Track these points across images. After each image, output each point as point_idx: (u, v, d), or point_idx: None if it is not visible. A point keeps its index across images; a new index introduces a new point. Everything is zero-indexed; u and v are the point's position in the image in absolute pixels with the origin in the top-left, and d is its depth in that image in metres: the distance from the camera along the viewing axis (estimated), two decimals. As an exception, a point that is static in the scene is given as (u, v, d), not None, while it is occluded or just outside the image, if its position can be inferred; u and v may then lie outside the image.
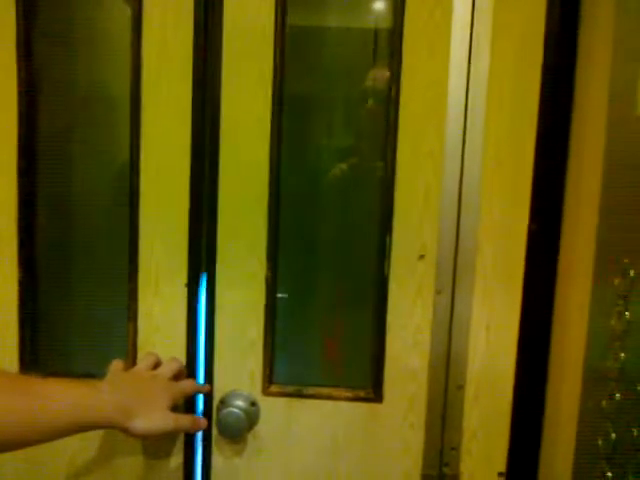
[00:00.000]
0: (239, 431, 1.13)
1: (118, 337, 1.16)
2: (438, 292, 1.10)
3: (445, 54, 1.06)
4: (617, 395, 0.88)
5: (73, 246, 1.19)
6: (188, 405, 1.14)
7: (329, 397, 1.14)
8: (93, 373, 1.14)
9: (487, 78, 1.05)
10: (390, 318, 1.12)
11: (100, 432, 1.16)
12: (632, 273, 0.83)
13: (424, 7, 1.06)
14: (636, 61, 0.86)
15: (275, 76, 1.09)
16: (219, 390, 1.15)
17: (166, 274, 1.13)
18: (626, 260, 0.84)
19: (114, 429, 0.96)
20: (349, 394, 1.14)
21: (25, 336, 1.16)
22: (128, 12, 1.09)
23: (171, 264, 1.13)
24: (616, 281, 0.85)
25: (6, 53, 1.10)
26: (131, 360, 1.15)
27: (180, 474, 1.16)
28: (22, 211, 1.14)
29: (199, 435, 1.16)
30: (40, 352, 1.18)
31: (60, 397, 0.87)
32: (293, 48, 1.10)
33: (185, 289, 1.13)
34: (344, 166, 1.15)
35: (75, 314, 1.20)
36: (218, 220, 1.12)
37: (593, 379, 0.91)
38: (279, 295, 1.15)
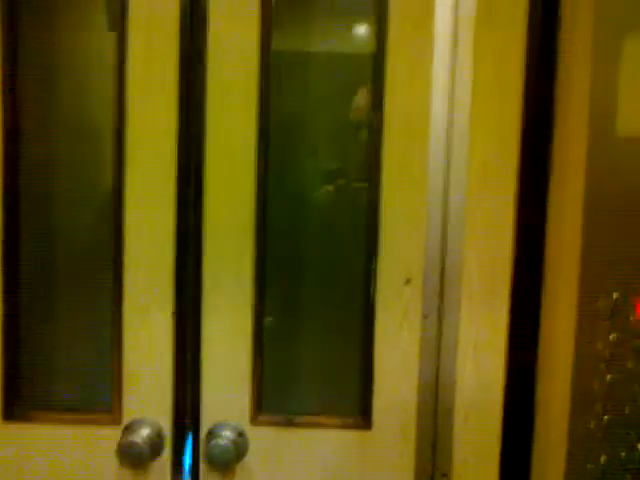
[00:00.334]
0: (228, 463, 1.11)
1: (103, 367, 1.15)
2: (425, 316, 1.10)
3: (427, 78, 1.07)
4: (605, 417, 0.88)
5: (57, 274, 1.18)
6: (176, 436, 1.13)
7: (318, 425, 1.13)
8: (77, 406, 1.13)
9: (470, 101, 1.06)
10: (378, 343, 1.11)
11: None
12: (615, 295, 0.83)
13: (406, 32, 1.07)
14: (615, 82, 0.88)
15: (260, 101, 1.10)
16: (207, 421, 1.13)
17: (152, 303, 1.12)
18: (610, 284, 0.84)
19: None
20: (338, 421, 1.13)
21: (8, 367, 1.14)
22: (113, 40, 1.10)
23: (157, 292, 1.12)
24: (600, 303, 0.85)
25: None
26: (117, 391, 1.13)
27: (168, 508, 1.14)
28: (5, 241, 1.13)
29: (187, 467, 1.14)
30: (23, 383, 1.16)
31: None
32: (277, 73, 1.11)
33: (172, 318, 1.12)
34: (330, 189, 1.16)
35: (59, 344, 1.18)
36: (204, 246, 1.11)
37: (581, 401, 0.91)
38: (267, 320, 1.14)
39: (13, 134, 1.12)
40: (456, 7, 1.05)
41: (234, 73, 1.09)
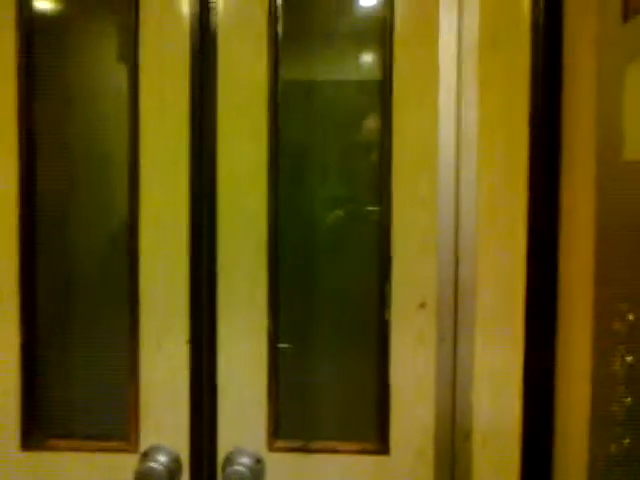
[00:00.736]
0: (245, 489, 1.11)
1: (120, 396, 1.15)
2: (440, 340, 1.09)
3: (434, 103, 1.08)
4: (626, 440, 0.86)
5: (73, 304, 1.19)
6: (193, 462, 1.13)
7: (335, 450, 1.13)
8: (94, 434, 1.14)
9: (477, 127, 1.07)
10: (393, 367, 1.11)
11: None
12: (631, 317, 0.83)
13: (412, 60, 1.09)
14: (620, 105, 0.88)
15: (270, 129, 1.11)
16: (223, 447, 1.13)
17: (167, 331, 1.13)
18: (624, 305, 0.84)
19: None
20: (356, 447, 1.13)
21: (25, 396, 1.16)
22: (125, 71, 1.13)
23: (172, 321, 1.13)
24: (616, 325, 0.85)
25: (6, 113, 1.13)
26: (134, 418, 1.14)
27: (186, 536, 1.14)
28: (22, 272, 1.15)
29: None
30: (41, 412, 1.17)
31: None
32: (287, 101, 1.13)
33: (187, 346, 1.12)
34: (341, 214, 1.16)
35: (76, 374, 1.19)
36: (218, 274, 1.12)
37: (601, 424, 0.90)
38: (281, 346, 1.14)
39: (30, 164, 1.15)
40: (460, 34, 1.07)
41: (244, 102, 1.11)
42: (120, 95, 1.13)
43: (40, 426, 1.17)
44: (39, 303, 1.17)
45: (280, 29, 1.12)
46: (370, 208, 1.15)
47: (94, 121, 1.18)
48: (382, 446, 1.12)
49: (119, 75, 1.14)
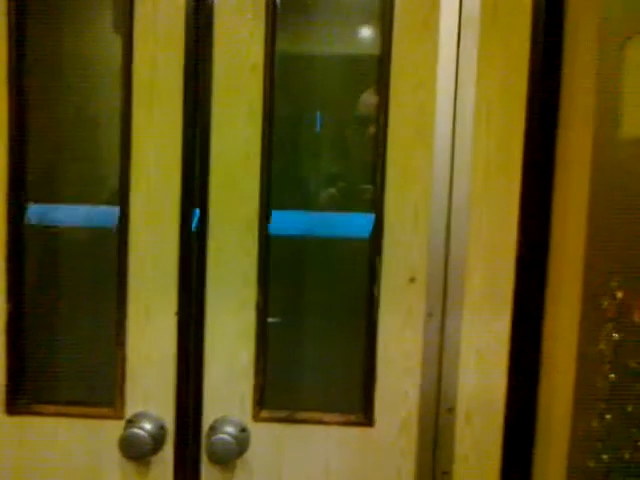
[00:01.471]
0: (229, 458, 1.11)
1: (107, 363, 1.15)
2: (428, 315, 1.10)
3: (432, 81, 1.08)
4: (608, 416, 0.88)
5: (62, 272, 1.18)
6: (178, 430, 1.13)
7: (320, 422, 1.14)
8: (80, 400, 1.14)
9: (473, 105, 1.07)
10: (381, 341, 1.12)
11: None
12: (620, 295, 0.84)
13: (411, 35, 1.08)
14: (619, 83, 0.88)
15: (264, 104, 1.10)
16: (209, 416, 1.14)
17: (156, 301, 1.13)
18: (614, 283, 0.85)
19: None
20: (340, 418, 1.14)
21: (12, 365, 1.15)
22: (119, 44, 1.10)
23: (161, 291, 1.12)
24: (604, 303, 0.86)
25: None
26: (120, 385, 1.13)
27: (169, 502, 1.15)
28: (10, 238, 1.13)
29: (188, 462, 1.15)
30: (27, 381, 1.17)
31: None
32: (283, 76, 1.11)
33: (175, 317, 1.12)
34: (334, 190, 1.16)
35: (63, 343, 1.18)
36: (208, 246, 1.12)
37: (584, 399, 0.92)
38: (270, 320, 1.15)
39: (20, 131, 1.13)
40: (460, 8, 1.06)
41: (240, 76, 1.09)
42: (113, 66, 1.11)
43: (26, 391, 1.16)
44: (27, 271, 1.16)
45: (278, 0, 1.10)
46: (364, 186, 1.15)
47: (86, 90, 1.16)
48: (367, 418, 1.13)
49: (113, 45, 1.11)
